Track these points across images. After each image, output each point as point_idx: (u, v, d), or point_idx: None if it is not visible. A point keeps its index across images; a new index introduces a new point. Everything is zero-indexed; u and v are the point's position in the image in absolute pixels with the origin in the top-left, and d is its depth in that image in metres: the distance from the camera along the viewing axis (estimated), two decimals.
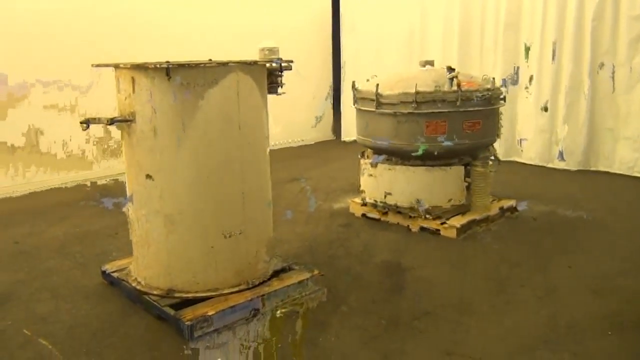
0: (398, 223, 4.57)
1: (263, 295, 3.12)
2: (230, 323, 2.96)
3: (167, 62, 2.77)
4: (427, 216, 4.45)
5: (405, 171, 4.46)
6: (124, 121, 2.97)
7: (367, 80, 4.67)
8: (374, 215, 4.70)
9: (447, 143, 4.27)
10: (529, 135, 6.72)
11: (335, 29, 8.82)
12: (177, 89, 2.85)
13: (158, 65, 2.77)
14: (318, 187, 5.96)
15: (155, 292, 3.11)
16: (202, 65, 2.85)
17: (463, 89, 4.23)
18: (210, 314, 2.91)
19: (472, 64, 7.14)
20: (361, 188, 4.84)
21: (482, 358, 2.63)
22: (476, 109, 4.27)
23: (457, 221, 4.32)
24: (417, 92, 4.21)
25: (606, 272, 3.57)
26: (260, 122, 3.16)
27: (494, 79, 4.45)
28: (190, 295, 3.07)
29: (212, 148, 2.96)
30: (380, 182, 4.59)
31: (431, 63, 4.68)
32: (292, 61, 3.37)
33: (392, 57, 7.91)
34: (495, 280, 3.50)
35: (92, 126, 2.99)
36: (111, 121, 2.91)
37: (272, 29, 8.01)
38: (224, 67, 2.90)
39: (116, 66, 2.97)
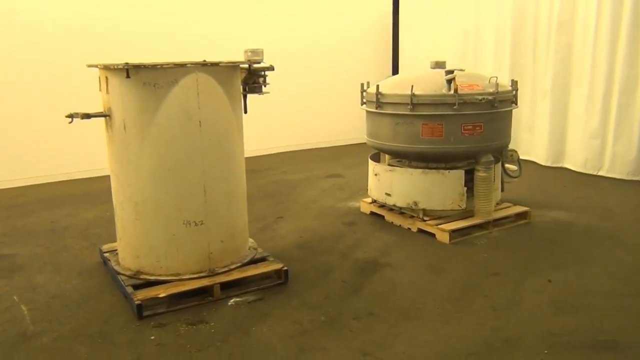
0: (400, 225, 4.56)
1: (220, 283, 3.31)
2: (182, 307, 3.19)
3: (126, 63, 3.04)
4: (425, 218, 4.39)
5: (403, 173, 4.43)
6: (101, 116, 3.29)
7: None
8: (381, 214, 4.73)
9: (444, 146, 4.19)
10: (578, 140, 6.29)
11: (396, 30, 8.80)
12: (142, 88, 3.11)
13: (116, 67, 3.05)
14: (347, 185, 6.04)
15: (126, 273, 3.41)
16: (160, 66, 3.08)
17: (462, 92, 4.12)
18: (161, 295, 3.16)
19: (525, 64, 6.83)
20: (369, 187, 4.86)
21: None
22: (476, 112, 4.14)
23: (452, 225, 4.23)
24: (413, 94, 4.16)
25: (587, 289, 3.34)
26: (225, 120, 3.35)
27: (497, 81, 4.25)
28: (153, 277, 3.34)
29: (173, 143, 3.19)
30: (382, 183, 4.60)
31: (442, 65, 4.59)
32: (270, 67, 3.53)
33: (447, 57, 7.73)
34: (461, 288, 3.41)
35: None
36: (87, 116, 3.24)
37: (336, 30, 8.27)
38: (183, 68, 3.12)
39: (95, 66, 3.30)
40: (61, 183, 6.36)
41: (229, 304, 3.25)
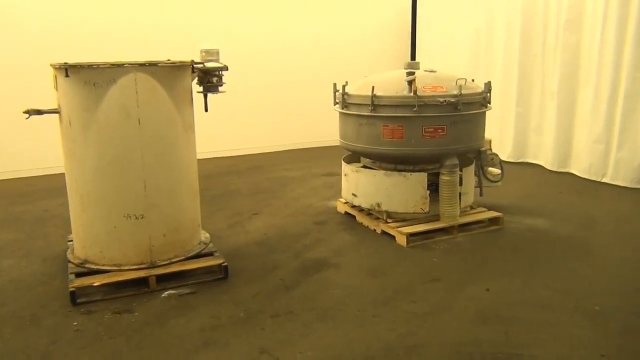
0: (367, 226, 4.55)
1: (157, 275, 3.44)
2: (116, 296, 3.34)
3: (65, 63, 3.21)
4: (389, 221, 4.36)
5: (367, 174, 4.41)
6: (53, 112, 3.49)
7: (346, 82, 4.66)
8: (353, 214, 4.73)
9: (405, 149, 4.14)
10: (583, 144, 6.01)
11: (414, 28, 8.69)
12: (83, 87, 3.28)
13: (57, 66, 3.22)
14: (337, 184, 6.02)
15: (75, 262, 3.60)
16: (97, 66, 3.23)
17: (424, 93, 4.06)
18: (95, 284, 3.33)
19: (534, 63, 6.59)
20: (342, 188, 4.87)
21: None
22: (438, 114, 4.06)
23: (411, 228, 4.18)
24: (374, 95, 4.14)
25: (522, 300, 3.23)
26: (167, 118, 3.46)
27: (465, 83, 4.14)
28: (97, 267, 3.51)
29: (112, 139, 3.34)
30: (349, 183, 4.60)
31: (416, 66, 4.52)
32: (224, 67, 3.66)
33: (460, 57, 7.59)
34: (394, 291, 3.38)
35: None
36: (39, 112, 3.44)
37: (354, 28, 8.31)
38: (121, 68, 3.25)
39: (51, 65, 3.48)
40: None
41: (162, 295, 3.37)
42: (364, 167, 4.68)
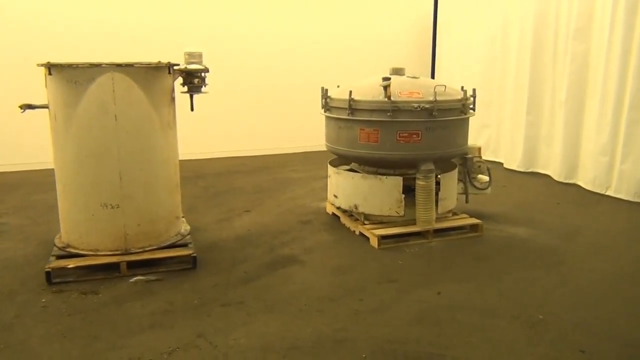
0: (349, 227, 4.65)
1: (127, 261, 3.69)
2: (88, 279, 3.60)
3: (48, 62, 3.51)
4: (366, 222, 4.46)
5: (346, 176, 4.52)
6: (43, 107, 3.80)
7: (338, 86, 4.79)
8: (338, 215, 4.85)
9: (380, 152, 4.23)
10: (589, 156, 5.88)
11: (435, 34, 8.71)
12: (65, 84, 3.56)
13: (41, 65, 3.52)
14: None
15: (59, 245, 3.90)
16: (77, 65, 3.51)
17: (399, 99, 4.14)
18: (69, 266, 3.60)
19: (545, 72, 6.51)
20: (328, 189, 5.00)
21: (217, 346, 2.80)
22: (412, 120, 4.13)
23: (383, 231, 4.26)
24: (352, 99, 4.25)
25: (468, 305, 3.26)
26: (143, 115, 3.70)
27: (441, 89, 4.18)
28: (76, 251, 3.79)
29: (91, 133, 3.61)
30: (332, 185, 4.72)
31: (401, 71, 4.60)
32: (205, 69, 3.89)
33: (476, 63, 7.57)
34: (348, 290, 3.48)
35: None
36: (30, 106, 3.76)
37: (376, 32, 8.44)
38: (99, 67, 3.52)
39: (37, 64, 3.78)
40: None
41: (130, 280, 3.61)
42: (351, 170, 4.79)
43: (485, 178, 4.90)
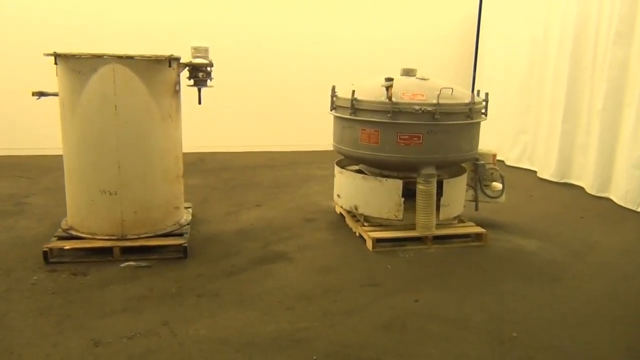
0: (351, 227, 4.62)
1: (121, 247, 3.83)
2: (82, 260, 3.77)
3: (55, 52, 3.68)
4: (366, 224, 4.41)
5: (348, 176, 4.48)
6: (54, 95, 4.00)
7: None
8: (344, 214, 4.82)
9: (379, 154, 4.16)
10: (622, 169, 5.53)
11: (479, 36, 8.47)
12: (71, 74, 3.74)
13: (48, 54, 3.71)
14: None
15: (64, 227, 4.10)
16: (80, 56, 3.67)
17: (402, 100, 4.06)
18: (65, 248, 3.78)
19: (583, 78, 6.18)
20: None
21: (177, 335, 2.86)
22: (413, 122, 4.03)
23: (379, 234, 4.20)
24: (354, 99, 4.21)
25: (442, 315, 3.16)
26: (143, 106, 3.81)
27: (448, 92, 4.06)
28: (77, 233, 3.97)
29: (92, 121, 3.77)
30: (336, 184, 4.69)
31: (412, 72, 4.50)
32: (209, 63, 3.97)
33: (516, 66, 7.29)
34: (325, 290, 3.45)
35: None
36: (42, 94, 3.97)
37: (419, 32, 8.33)
38: (101, 58, 3.67)
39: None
40: None
41: (121, 265, 3.74)
42: (358, 171, 4.73)
43: (499, 186, 4.73)
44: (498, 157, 7.68)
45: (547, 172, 6.63)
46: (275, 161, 7.41)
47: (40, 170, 6.37)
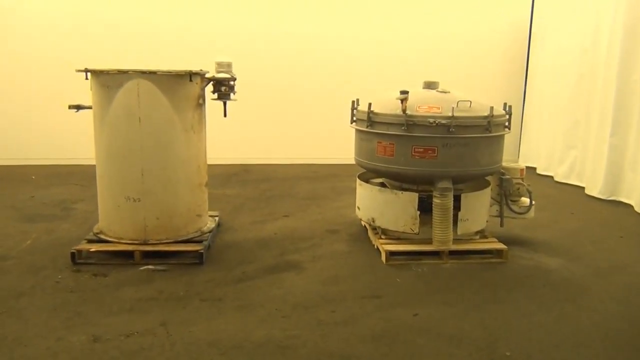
0: (371, 240, 4.63)
1: (142, 251, 4.05)
2: (107, 263, 4.02)
3: (86, 68, 3.99)
4: (383, 237, 4.41)
5: (365, 188, 4.51)
6: (88, 108, 4.31)
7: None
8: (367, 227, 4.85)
9: (395, 166, 4.16)
10: None
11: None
12: (101, 88, 4.03)
13: (78, 70, 4.02)
14: None
15: (95, 231, 4.39)
16: (107, 72, 3.94)
17: (416, 113, 4.05)
18: (91, 250, 4.05)
19: (633, 91, 5.88)
20: None
21: (172, 335, 3.00)
22: (427, 135, 4.01)
23: (393, 247, 4.19)
24: (371, 112, 4.24)
25: (436, 331, 3.11)
26: (165, 119, 4.04)
27: (466, 105, 4.00)
28: (105, 237, 4.25)
29: (119, 132, 4.04)
30: (357, 196, 4.72)
31: (434, 85, 4.47)
32: (232, 77, 4.18)
33: (564, 77, 7.03)
34: (326, 300, 3.49)
35: None
36: (78, 107, 4.29)
37: (468, 40, 8.22)
38: (126, 74, 3.93)
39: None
40: None
41: (140, 268, 3.96)
42: (381, 184, 4.74)
43: (526, 201, 4.59)
44: (548, 173, 7.47)
45: (594, 189, 6.32)
46: (317, 173, 7.52)
47: (93, 179, 6.80)
